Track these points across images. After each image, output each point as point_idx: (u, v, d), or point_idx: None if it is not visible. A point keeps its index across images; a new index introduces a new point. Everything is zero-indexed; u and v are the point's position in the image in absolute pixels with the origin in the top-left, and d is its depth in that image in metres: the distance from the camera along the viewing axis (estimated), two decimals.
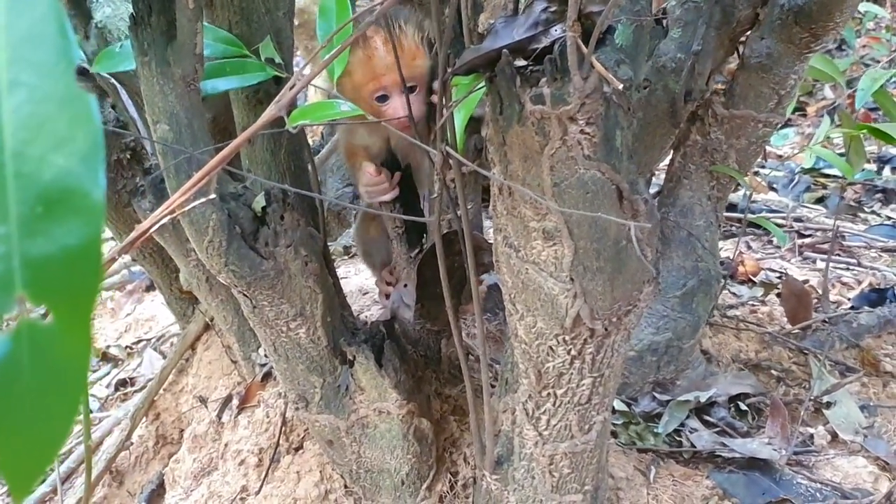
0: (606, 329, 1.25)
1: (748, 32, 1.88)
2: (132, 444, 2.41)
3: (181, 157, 1.41)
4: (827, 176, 3.78)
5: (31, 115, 0.40)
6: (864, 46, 4.84)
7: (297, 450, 1.96)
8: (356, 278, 2.61)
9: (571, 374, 1.31)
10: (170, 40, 1.40)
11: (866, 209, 3.55)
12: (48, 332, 0.41)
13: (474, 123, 1.51)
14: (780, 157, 4.06)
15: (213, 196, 1.38)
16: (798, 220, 3.38)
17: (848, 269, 2.91)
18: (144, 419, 2.40)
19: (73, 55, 0.41)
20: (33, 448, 0.43)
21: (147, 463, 2.37)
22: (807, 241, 3.19)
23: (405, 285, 1.73)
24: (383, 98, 1.68)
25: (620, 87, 1.06)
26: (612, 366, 1.33)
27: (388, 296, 1.92)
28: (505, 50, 1.11)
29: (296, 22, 2.27)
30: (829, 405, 2.07)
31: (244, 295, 1.56)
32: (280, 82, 1.69)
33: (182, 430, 2.31)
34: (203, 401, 2.19)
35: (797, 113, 4.63)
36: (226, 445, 2.04)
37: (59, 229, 0.40)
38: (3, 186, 0.40)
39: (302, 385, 1.69)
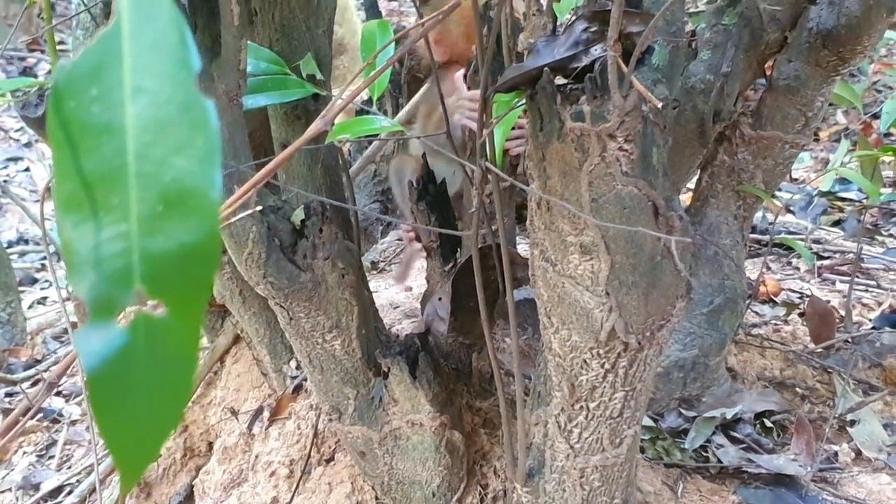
0: (640, 343, 1.26)
1: (776, 55, 1.90)
2: (160, 455, 2.43)
3: (224, 172, 1.44)
4: (843, 199, 3.80)
5: (153, 119, 0.43)
6: (876, 72, 4.85)
7: (328, 461, 1.98)
8: (386, 292, 2.63)
9: (604, 387, 1.32)
10: (214, 56, 1.42)
11: (883, 232, 3.56)
12: (162, 324, 0.43)
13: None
14: (796, 180, 4.07)
15: (258, 208, 1.40)
16: (816, 241, 3.40)
17: (867, 290, 2.92)
18: (172, 431, 2.41)
19: (193, 63, 0.43)
20: (144, 436, 0.46)
21: (175, 475, 2.38)
22: (826, 262, 3.20)
23: (439, 298, 1.75)
24: None
25: (660, 105, 1.09)
26: (644, 380, 1.35)
27: (418, 237, 1.93)
28: (546, 68, 1.13)
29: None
30: (853, 423, 2.09)
31: (281, 307, 1.59)
32: (318, 99, 1.72)
33: (210, 443, 2.33)
34: (234, 412, 2.21)
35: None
36: (256, 457, 2.06)
37: (178, 227, 0.42)
38: (126, 186, 0.43)
39: (336, 396, 1.71)
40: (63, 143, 0.43)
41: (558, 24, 1.23)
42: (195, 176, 0.43)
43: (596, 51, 1.12)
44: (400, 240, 3.14)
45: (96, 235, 0.43)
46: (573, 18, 1.17)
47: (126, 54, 0.43)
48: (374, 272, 3.17)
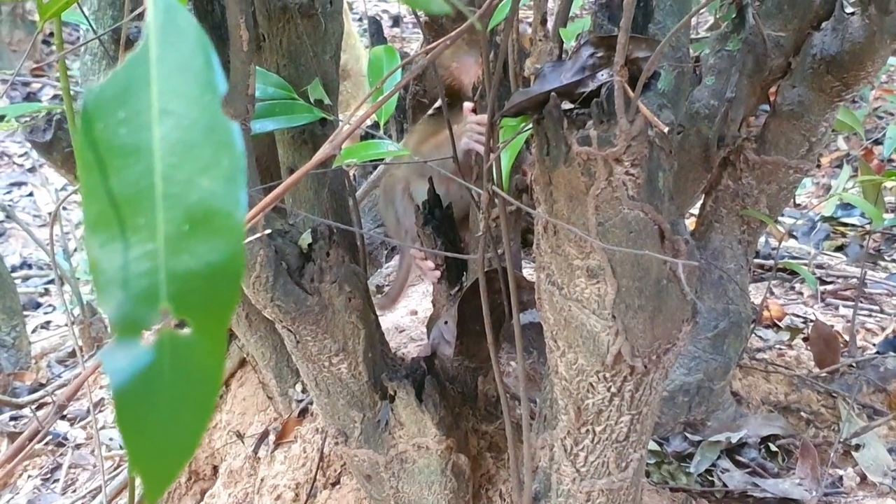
0: (646, 367, 1.27)
1: (780, 81, 1.91)
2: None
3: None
4: (846, 225, 3.81)
5: (180, 141, 0.44)
6: (877, 98, 4.86)
7: (334, 485, 1.98)
8: (392, 316, 2.63)
9: (610, 411, 1.33)
10: None
11: (886, 257, 3.57)
12: (187, 342, 0.44)
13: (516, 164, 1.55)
14: (799, 205, 4.08)
15: (267, 232, 1.41)
16: (820, 266, 3.40)
17: (871, 315, 2.93)
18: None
19: (219, 86, 0.44)
20: (168, 453, 0.46)
21: (179, 498, 2.38)
22: (829, 287, 3.21)
23: (445, 322, 1.75)
24: None
25: (665, 130, 1.10)
26: (650, 404, 1.35)
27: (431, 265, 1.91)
28: (553, 93, 1.14)
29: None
30: (857, 447, 2.09)
31: (288, 330, 1.59)
32: (325, 123, 1.73)
33: (216, 466, 2.33)
34: (240, 436, 2.22)
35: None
36: (262, 480, 2.06)
37: (203, 246, 0.43)
38: (153, 206, 0.43)
39: (342, 420, 1.71)
40: (91, 165, 0.44)
41: (565, 49, 1.25)
42: (220, 196, 0.43)
43: (602, 76, 1.13)
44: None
45: (123, 255, 0.44)
46: (580, 44, 1.18)
47: (153, 77, 0.44)
48: (380, 296, 3.18)
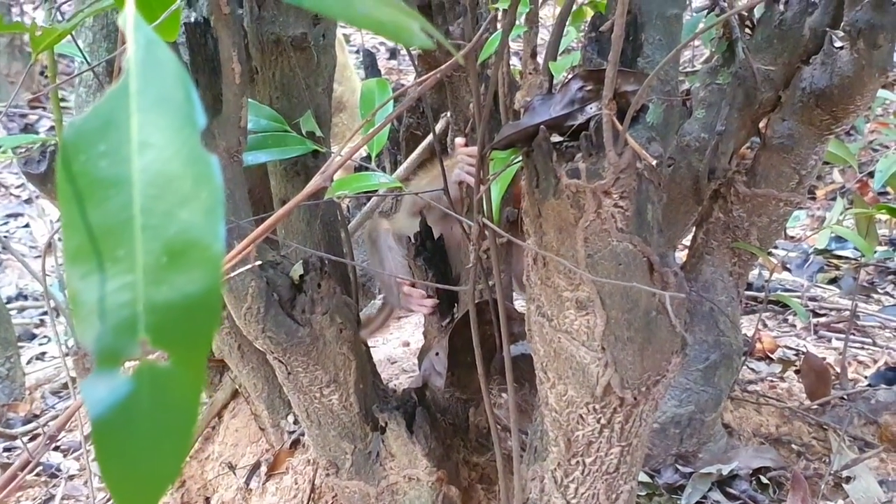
0: (635, 398, 1.27)
1: (770, 114, 1.92)
2: None
3: (224, 227, 1.45)
4: (839, 257, 3.81)
5: (159, 173, 0.44)
6: (872, 131, 4.87)
7: None
8: (384, 347, 2.63)
9: (601, 442, 1.33)
10: (215, 114, 1.45)
11: (879, 290, 3.57)
12: (166, 373, 0.45)
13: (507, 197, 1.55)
14: (793, 238, 4.08)
15: (258, 263, 1.42)
16: (812, 299, 3.40)
17: (863, 348, 2.93)
18: (170, 486, 2.41)
19: (198, 120, 0.45)
20: (147, 483, 0.46)
21: None
22: (822, 320, 3.21)
23: (437, 353, 1.76)
24: None
25: (654, 162, 1.11)
26: (640, 435, 1.35)
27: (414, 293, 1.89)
28: (542, 126, 1.15)
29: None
30: (848, 480, 2.09)
31: (279, 361, 1.59)
32: (317, 155, 1.74)
33: (208, 498, 2.32)
34: (232, 467, 2.21)
35: (807, 195, 4.63)
36: None
37: (182, 278, 0.44)
38: (132, 239, 0.44)
39: (333, 451, 1.71)
40: (72, 197, 0.44)
41: (554, 82, 1.26)
42: (199, 228, 0.44)
43: (591, 109, 1.14)
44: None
45: (102, 287, 0.44)
46: (569, 77, 1.19)
47: (133, 110, 0.45)
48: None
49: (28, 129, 6.54)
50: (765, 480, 2.08)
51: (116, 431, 0.44)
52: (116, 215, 0.44)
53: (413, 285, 1.81)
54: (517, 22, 1.27)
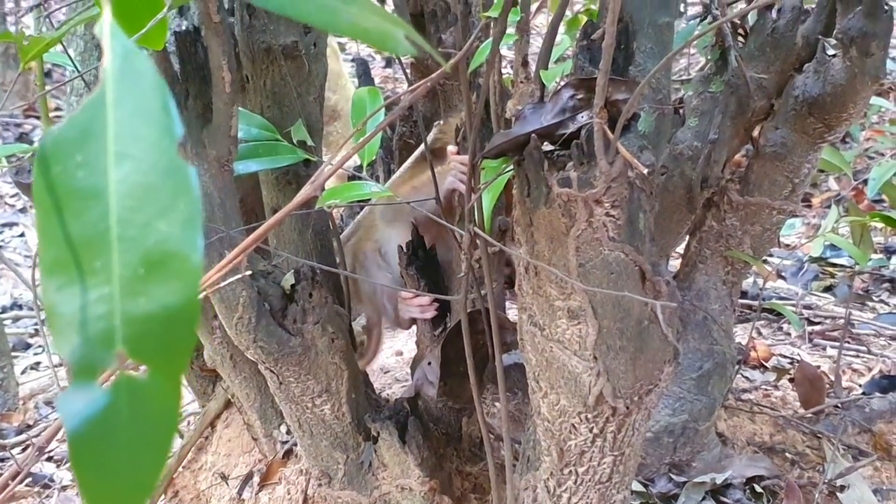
0: (628, 408, 1.27)
1: (763, 122, 1.91)
2: None
3: (215, 237, 1.45)
4: (834, 265, 3.81)
5: (137, 184, 0.44)
6: (868, 139, 4.87)
7: None
8: (377, 357, 2.63)
9: (593, 452, 1.33)
10: (205, 123, 1.44)
11: (874, 298, 3.57)
12: (144, 385, 0.44)
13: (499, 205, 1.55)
14: (788, 246, 4.08)
15: (247, 273, 1.41)
16: (807, 307, 3.40)
17: (858, 356, 2.93)
18: (163, 497, 2.41)
19: (176, 130, 0.44)
20: (124, 496, 0.46)
21: None
22: (817, 328, 3.21)
23: (429, 363, 1.75)
24: None
25: (645, 171, 1.10)
26: (633, 445, 1.35)
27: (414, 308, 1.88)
28: (533, 135, 1.15)
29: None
30: (842, 488, 2.08)
31: (271, 371, 1.59)
32: (309, 164, 1.73)
33: None
34: (224, 477, 2.21)
35: (803, 204, 4.62)
36: None
37: (159, 290, 0.43)
38: (109, 250, 0.43)
39: (325, 461, 1.71)
40: (48, 208, 0.44)
41: (546, 91, 1.25)
42: (177, 240, 0.43)
43: (582, 118, 1.14)
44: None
45: (80, 298, 0.43)
46: (560, 86, 1.18)
47: (110, 121, 0.44)
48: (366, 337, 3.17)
49: (23, 138, 6.54)
50: (759, 489, 2.07)
51: (93, 444, 0.44)
52: (93, 226, 0.44)
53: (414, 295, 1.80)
54: (508, 30, 1.27)
